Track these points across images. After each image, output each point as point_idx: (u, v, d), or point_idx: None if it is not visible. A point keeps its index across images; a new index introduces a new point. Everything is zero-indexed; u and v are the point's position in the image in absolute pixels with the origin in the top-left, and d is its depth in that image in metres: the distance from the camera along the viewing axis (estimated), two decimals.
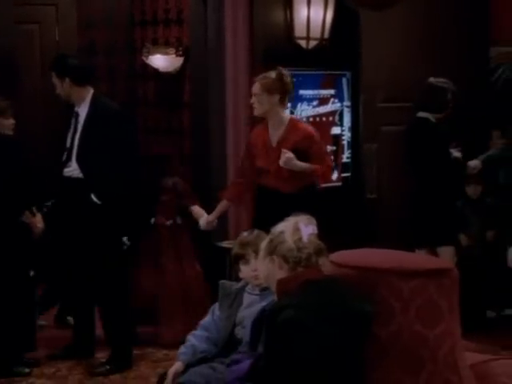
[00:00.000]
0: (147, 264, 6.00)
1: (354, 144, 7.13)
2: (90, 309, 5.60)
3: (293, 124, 5.28)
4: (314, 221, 3.13)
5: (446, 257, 5.89)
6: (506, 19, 6.94)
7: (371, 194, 6.95)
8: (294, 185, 5.18)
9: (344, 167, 7.09)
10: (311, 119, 6.75)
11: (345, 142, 7.10)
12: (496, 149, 6.46)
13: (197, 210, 5.94)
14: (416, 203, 6.08)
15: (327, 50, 6.91)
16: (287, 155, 5.10)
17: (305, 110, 6.66)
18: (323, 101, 6.94)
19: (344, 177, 7.08)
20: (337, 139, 7.02)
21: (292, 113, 6.46)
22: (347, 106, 7.08)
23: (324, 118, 6.94)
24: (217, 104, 6.78)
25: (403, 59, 6.82)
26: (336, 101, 6.99)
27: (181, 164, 6.81)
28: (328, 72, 6.95)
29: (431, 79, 6.06)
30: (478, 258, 6.41)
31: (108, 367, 5.33)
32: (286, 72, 5.23)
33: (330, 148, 6.75)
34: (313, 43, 6.85)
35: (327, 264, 3.08)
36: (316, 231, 3.08)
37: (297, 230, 3.04)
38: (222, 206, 5.65)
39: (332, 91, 6.95)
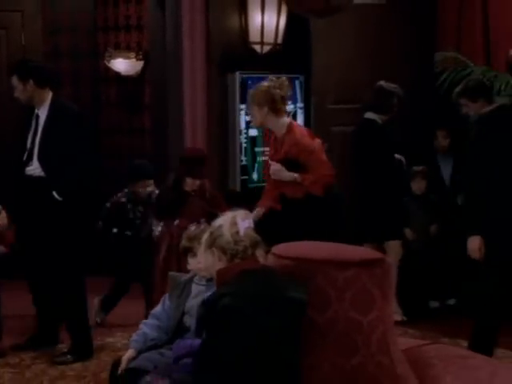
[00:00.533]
0: (169, 267, 5.72)
1: None
2: (52, 300, 5.62)
3: (288, 130, 5.21)
4: (250, 215, 3.31)
5: (393, 251, 6.14)
6: (451, 25, 7.06)
7: None
8: (295, 190, 5.18)
9: None
10: None
11: None
12: None
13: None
14: (363, 200, 6.30)
15: (280, 54, 7.09)
16: (273, 167, 5.18)
17: None
18: None
19: None
20: None
21: (247, 114, 6.61)
22: (300, 108, 7.23)
23: None
24: (175, 106, 6.91)
25: (352, 63, 6.94)
26: (289, 103, 7.02)
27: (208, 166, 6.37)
28: (282, 75, 7.12)
29: (382, 83, 6.26)
30: (422, 251, 6.57)
31: (69, 356, 5.40)
32: (275, 82, 5.23)
33: None
34: (267, 48, 7.04)
35: (269, 256, 3.20)
36: (252, 225, 3.24)
37: (234, 224, 3.20)
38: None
39: None
